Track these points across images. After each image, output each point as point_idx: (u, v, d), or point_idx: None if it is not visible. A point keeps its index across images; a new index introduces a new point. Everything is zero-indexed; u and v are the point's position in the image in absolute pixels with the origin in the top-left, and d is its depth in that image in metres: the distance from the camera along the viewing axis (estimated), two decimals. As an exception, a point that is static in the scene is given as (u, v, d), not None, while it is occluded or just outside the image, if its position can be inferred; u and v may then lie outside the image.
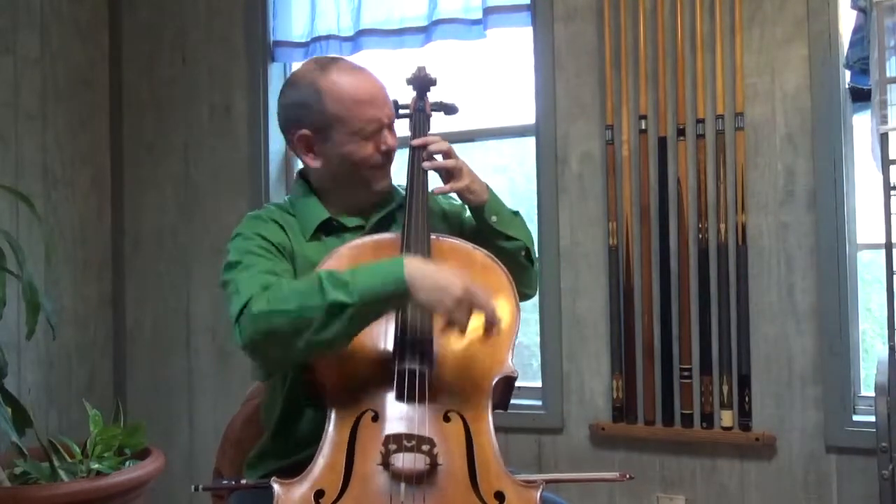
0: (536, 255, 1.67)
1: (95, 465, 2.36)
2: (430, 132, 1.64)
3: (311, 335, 1.27)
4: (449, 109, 1.66)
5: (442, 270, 1.31)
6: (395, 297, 1.29)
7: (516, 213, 1.63)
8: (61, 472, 2.31)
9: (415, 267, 1.29)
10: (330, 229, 1.57)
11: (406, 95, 1.67)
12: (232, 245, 1.50)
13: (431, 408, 1.27)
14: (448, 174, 1.54)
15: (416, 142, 1.58)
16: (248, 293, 1.33)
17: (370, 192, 1.57)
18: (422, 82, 1.66)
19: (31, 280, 2.18)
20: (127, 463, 2.46)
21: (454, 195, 1.59)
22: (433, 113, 1.65)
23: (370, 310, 1.29)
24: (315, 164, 1.55)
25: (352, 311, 1.26)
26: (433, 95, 1.67)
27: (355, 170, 1.53)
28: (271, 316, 1.28)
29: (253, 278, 1.38)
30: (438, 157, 1.55)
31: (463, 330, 1.28)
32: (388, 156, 1.55)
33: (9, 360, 2.23)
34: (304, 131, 1.53)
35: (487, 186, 1.58)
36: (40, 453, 2.36)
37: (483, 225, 1.57)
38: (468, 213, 1.62)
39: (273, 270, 1.42)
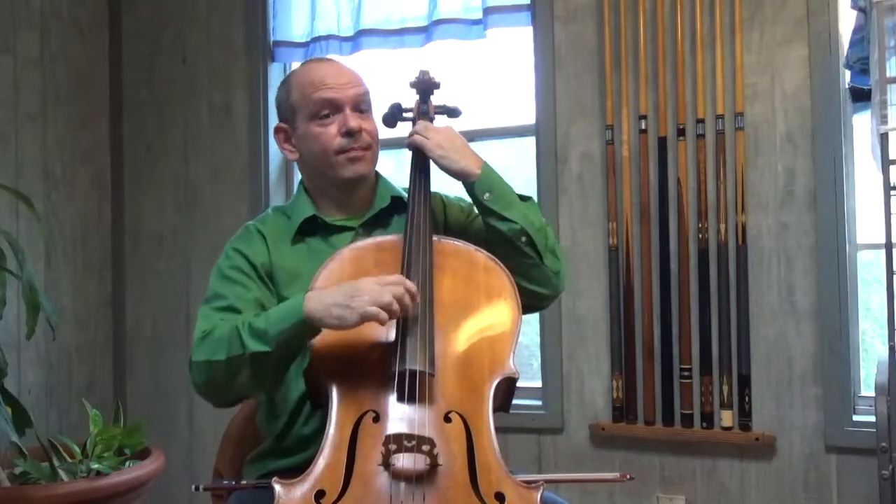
0: (552, 247, 1.53)
1: (95, 465, 2.36)
2: None
3: (245, 379, 1.36)
4: (452, 112, 1.64)
5: (341, 287, 1.31)
6: (307, 332, 1.32)
7: (525, 198, 1.55)
8: (61, 472, 2.31)
9: (312, 299, 1.31)
10: (315, 229, 1.56)
11: (409, 99, 1.66)
12: (217, 263, 1.56)
13: (432, 408, 1.27)
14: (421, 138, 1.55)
15: (408, 142, 1.57)
16: (196, 336, 1.42)
17: (341, 180, 1.53)
18: (425, 86, 1.64)
19: (31, 280, 2.18)
20: (127, 463, 2.45)
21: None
22: (436, 116, 1.63)
23: (290, 348, 1.35)
24: (293, 156, 1.60)
25: (274, 356, 1.33)
26: (437, 99, 1.65)
27: (324, 157, 1.53)
28: (206, 366, 1.38)
29: (207, 317, 1.46)
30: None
31: (397, 313, 1.28)
32: (351, 137, 1.50)
33: (9, 360, 2.23)
34: (280, 124, 1.60)
35: (485, 163, 1.52)
36: (40, 453, 2.35)
37: (477, 205, 1.53)
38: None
39: (232, 306, 1.46)
